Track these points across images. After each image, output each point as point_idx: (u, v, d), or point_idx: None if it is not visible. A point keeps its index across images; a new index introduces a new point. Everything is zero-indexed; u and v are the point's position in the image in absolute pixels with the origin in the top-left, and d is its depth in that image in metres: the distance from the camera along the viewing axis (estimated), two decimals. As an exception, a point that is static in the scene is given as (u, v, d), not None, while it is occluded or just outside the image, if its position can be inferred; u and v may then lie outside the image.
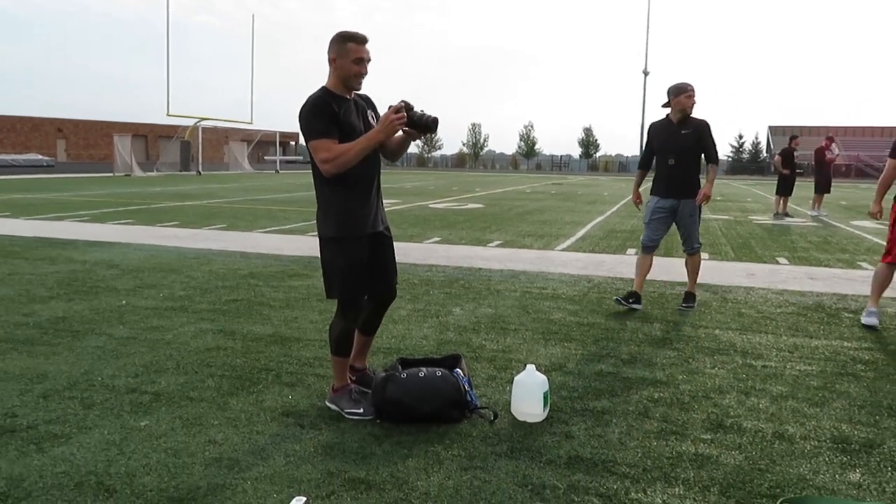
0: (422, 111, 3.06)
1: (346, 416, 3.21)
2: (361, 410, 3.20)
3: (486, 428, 3.12)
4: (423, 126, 3.05)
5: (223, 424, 3.08)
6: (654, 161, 5.74)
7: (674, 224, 5.70)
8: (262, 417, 3.18)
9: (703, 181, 5.68)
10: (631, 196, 6.13)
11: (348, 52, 3.06)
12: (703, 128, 5.55)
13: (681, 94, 5.47)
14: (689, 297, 5.78)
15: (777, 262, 8.36)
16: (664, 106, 5.57)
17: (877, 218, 5.38)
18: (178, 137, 41.16)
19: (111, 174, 31.90)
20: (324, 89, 3.11)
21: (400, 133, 3.16)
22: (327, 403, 3.31)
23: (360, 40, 3.08)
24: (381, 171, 3.36)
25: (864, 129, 68.50)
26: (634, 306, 5.55)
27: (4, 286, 5.90)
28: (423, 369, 3.31)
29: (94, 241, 8.97)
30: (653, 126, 5.73)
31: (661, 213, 5.63)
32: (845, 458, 2.89)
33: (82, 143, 63.19)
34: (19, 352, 4.06)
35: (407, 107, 3.03)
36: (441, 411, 3.16)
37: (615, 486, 2.61)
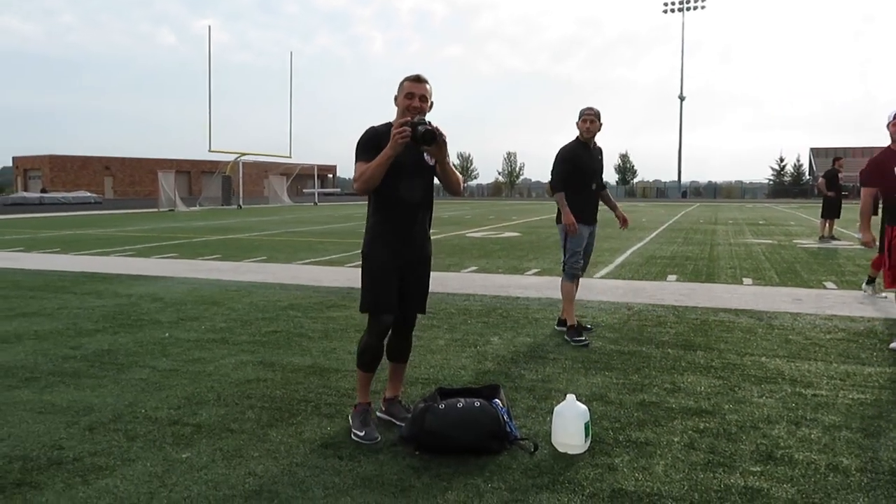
0: (425, 126, 3.12)
1: (352, 435, 3.30)
2: (363, 434, 3.28)
3: (526, 460, 3.07)
4: (421, 139, 3.12)
5: (263, 456, 3.09)
6: (569, 185, 5.38)
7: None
8: (301, 449, 3.18)
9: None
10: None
11: (402, 88, 3.32)
12: (602, 153, 5.60)
13: (579, 119, 5.36)
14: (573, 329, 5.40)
15: (824, 287, 8.13)
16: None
17: (870, 246, 5.40)
18: (220, 172, 42.18)
19: (156, 209, 32.77)
20: (386, 123, 3.32)
21: (428, 157, 3.32)
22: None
23: (412, 78, 3.32)
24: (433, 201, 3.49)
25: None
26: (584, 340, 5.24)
27: (53, 320, 6.06)
28: (462, 400, 3.28)
29: (139, 275, 9.18)
30: (568, 149, 5.41)
31: (587, 238, 5.52)
32: (905, 492, 2.75)
33: (128, 181, 65.17)
34: (66, 384, 4.15)
35: (412, 122, 3.12)
36: (481, 443, 3.12)
37: (661, 521, 2.53)
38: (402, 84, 3.32)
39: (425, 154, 3.36)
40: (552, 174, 5.45)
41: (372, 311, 3.36)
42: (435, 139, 3.14)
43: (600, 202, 5.65)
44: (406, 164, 3.28)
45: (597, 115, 5.36)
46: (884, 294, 7.25)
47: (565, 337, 5.38)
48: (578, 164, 5.37)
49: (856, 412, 3.69)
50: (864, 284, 7.72)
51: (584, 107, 5.41)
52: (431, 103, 3.37)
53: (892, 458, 3.08)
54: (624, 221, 5.80)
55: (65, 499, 2.66)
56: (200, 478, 2.86)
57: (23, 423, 3.48)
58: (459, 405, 3.22)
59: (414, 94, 3.27)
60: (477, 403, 3.24)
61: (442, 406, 3.22)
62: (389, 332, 3.48)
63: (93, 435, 3.33)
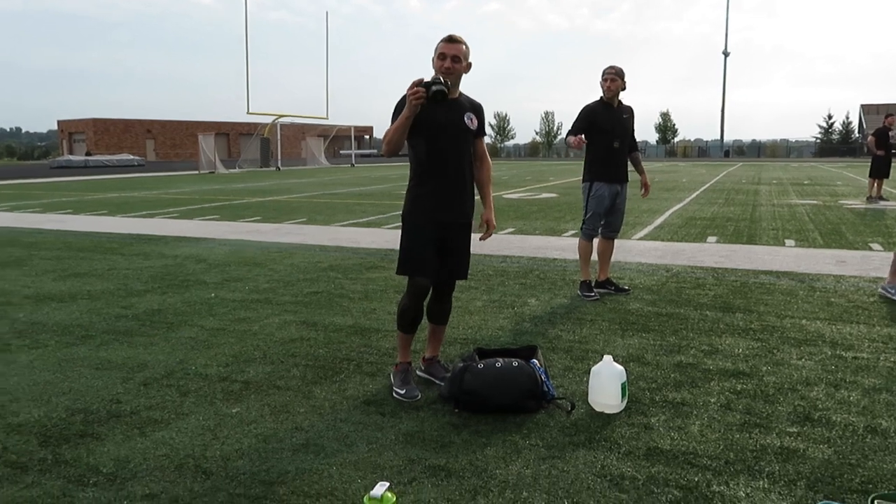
0: (439, 85, 3.10)
1: (393, 393, 3.40)
2: (404, 392, 3.38)
3: (563, 418, 3.14)
4: (432, 98, 3.09)
5: (308, 412, 3.22)
6: (590, 143, 5.43)
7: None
8: (345, 406, 3.30)
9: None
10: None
11: (436, 49, 3.31)
12: (632, 113, 5.55)
13: (601, 78, 5.34)
14: (609, 283, 5.73)
15: (870, 249, 7.95)
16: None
17: None
18: (258, 135, 42.53)
19: (196, 172, 33.31)
20: None
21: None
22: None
23: (445, 39, 3.31)
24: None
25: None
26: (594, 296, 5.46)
27: (105, 281, 6.30)
28: (500, 360, 3.35)
29: (183, 236, 9.43)
30: (588, 107, 5.43)
31: (610, 199, 5.49)
32: (945, 455, 2.75)
33: (169, 143, 66.21)
34: (120, 342, 4.34)
35: (425, 82, 3.09)
36: (518, 401, 3.19)
37: (696, 479, 2.58)
38: (437, 46, 3.31)
39: (465, 116, 3.37)
40: (572, 127, 5.48)
41: (409, 275, 3.41)
42: (446, 97, 3.12)
43: (630, 164, 5.66)
44: (444, 125, 3.30)
45: (618, 73, 5.33)
46: None
47: (577, 292, 5.56)
48: (597, 122, 5.38)
49: (897, 375, 3.66)
50: None
51: (607, 66, 5.38)
52: (469, 64, 3.35)
53: (932, 422, 3.07)
54: (645, 189, 5.81)
55: (125, 449, 2.83)
56: (250, 431, 3.00)
57: (82, 378, 3.67)
58: (498, 365, 3.29)
59: (446, 54, 3.25)
60: (515, 363, 3.30)
61: (480, 365, 3.29)
62: (429, 295, 3.55)
63: (147, 390, 3.50)
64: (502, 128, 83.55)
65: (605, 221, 5.58)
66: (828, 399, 3.35)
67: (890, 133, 14.23)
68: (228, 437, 2.95)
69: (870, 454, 2.76)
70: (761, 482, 2.55)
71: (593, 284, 5.62)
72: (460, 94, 3.42)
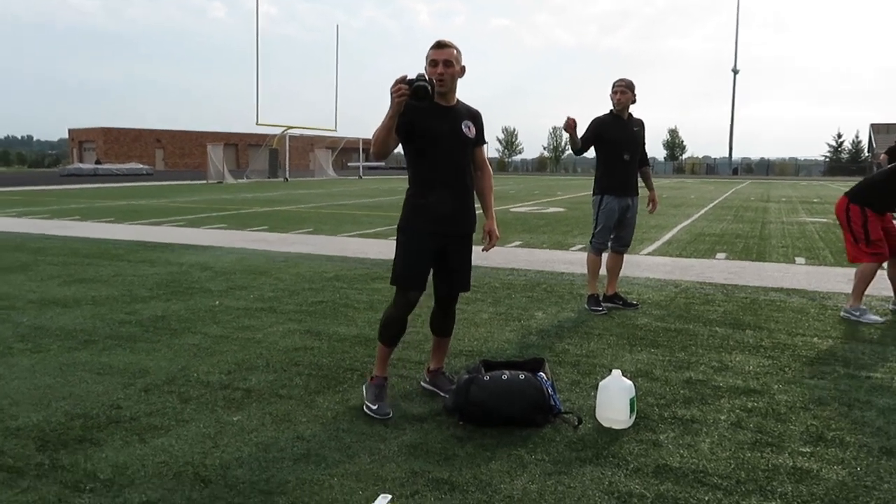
0: (422, 81, 2.95)
1: (364, 408, 3.28)
2: (375, 408, 3.24)
3: (570, 433, 3.07)
4: (413, 95, 2.94)
5: (310, 421, 3.16)
6: (597, 158, 5.46)
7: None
8: (347, 416, 3.24)
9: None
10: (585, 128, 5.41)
11: (427, 57, 3.23)
12: (643, 126, 5.52)
13: (612, 90, 5.32)
14: (618, 297, 5.67)
15: (882, 268, 7.85)
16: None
17: None
18: (267, 145, 42.73)
19: (205, 181, 33.43)
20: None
21: None
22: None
23: (435, 45, 3.21)
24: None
25: None
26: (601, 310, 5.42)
27: (110, 287, 6.27)
28: (507, 372, 3.29)
29: (190, 244, 9.42)
30: (598, 119, 5.40)
31: (620, 213, 5.45)
32: (963, 478, 2.67)
33: (178, 153, 66.60)
34: (123, 348, 4.30)
35: (408, 79, 2.94)
36: (524, 415, 3.13)
37: (706, 498, 2.51)
38: (427, 54, 3.22)
39: (463, 125, 3.28)
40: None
41: (400, 286, 3.29)
42: (429, 94, 2.96)
43: (640, 179, 5.63)
44: (442, 135, 3.21)
45: (628, 85, 5.32)
46: None
47: (584, 305, 5.51)
48: (607, 134, 5.35)
49: (912, 396, 3.58)
50: None
51: (617, 78, 5.37)
52: (463, 67, 3.25)
53: (950, 444, 2.99)
54: (653, 204, 5.75)
55: (123, 455, 2.78)
56: (251, 440, 2.95)
57: (83, 383, 3.63)
58: (504, 377, 3.23)
59: (437, 60, 3.16)
60: (521, 376, 3.24)
61: (486, 378, 3.23)
62: (433, 308, 3.49)
63: (148, 396, 3.46)
64: (510, 142, 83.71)
65: (615, 235, 5.53)
66: (841, 419, 3.27)
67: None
68: (228, 445, 2.89)
69: (885, 476, 2.69)
70: (773, 503, 2.48)
71: (601, 299, 5.56)
72: (458, 101, 3.33)
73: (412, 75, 2.98)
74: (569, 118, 5.09)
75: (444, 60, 3.17)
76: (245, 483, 2.56)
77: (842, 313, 5.37)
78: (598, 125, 5.38)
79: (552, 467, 2.74)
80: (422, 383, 3.63)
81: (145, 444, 2.88)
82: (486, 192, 3.49)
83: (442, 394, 3.46)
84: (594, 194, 5.53)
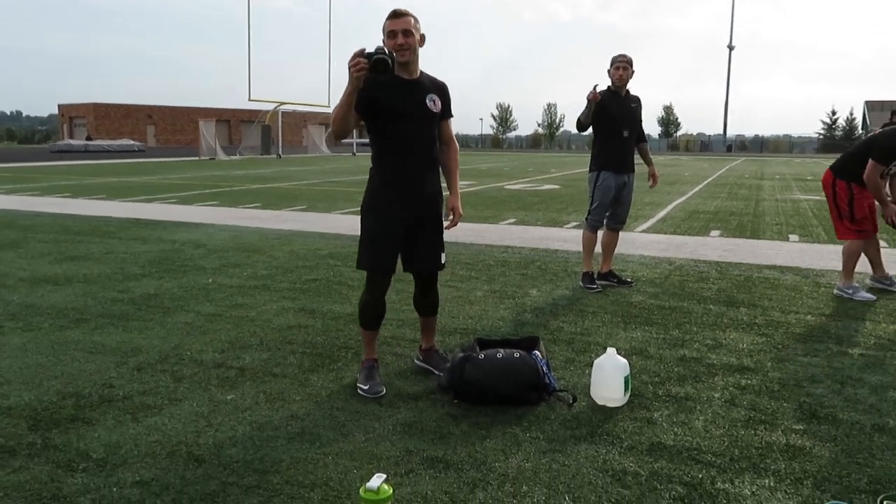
0: (378, 53, 2.83)
1: (357, 389, 3.25)
2: (367, 387, 3.21)
3: (564, 411, 3.08)
4: (373, 68, 2.82)
5: (305, 400, 3.15)
6: (595, 135, 5.42)
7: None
8: (341, 394, 3.23)
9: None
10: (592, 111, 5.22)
11: (384, 28, 3.08)
12: (640, 103, 5.50)
13: (611, 66, 5.27)
14: (612, 275, 5.66)
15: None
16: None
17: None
18: (259, 122, 42.34)
19: (197, 158, 33.18)
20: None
21: None
22: None
23: (391, 15, 3.06)
24: (440, 152, 3.31)
25: (974, 102, 63.48)
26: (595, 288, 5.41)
27: (101, 264, 6.23)
28: (501, 350, 3.28)
29: (182, 222, 9.35)
30: (601, 94, 5.25)
31: (616, 189, 5.42)
32: (955, 455, 2.69)
33: (170, 129, 65.99)
34: (115, 326, 4.27)
35: (367, 53, 2.82)
36: (519, 393, 3.13)
37: (700, 475, 2.52)
38: (384, 25, 3.06)
39: (428, 99, 3.15)
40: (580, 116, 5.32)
41: (367, 270, 3.24)
42: (389, 67, 2.84)
43: (637, 155, 5.60)
44: (405, 110, 3.09)
45: (629, 62, 5.29)
46: None
47: (579, 283, 5.52)
48: (606, 110, 5.28)
49: (905, 373, 3.59)
50: None
51: (617, 54, 5.31)
52: (423, 36, 3.11)
53: (941, 421, 3.01)
54: (654, 179, 5.73)
55: (116, 434, 2.76)
56: (245, 419, 2.94)
57: (75, 362, 3.61)
58: (499, 355, 3.22)
59: (395, 31, 3.02)
60: (516, 354, 3.24)
61: (481, 356, 3.22)
62: (415, 288, 3.44)
63: (141, 375, 3.44)
64: (505, 119, 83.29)
65: (610, 213, 5.51)
66: (834, 396, 3.28)
67: None
68: (222, 424, 2.88)
69: (878, 453, 2.70)
70: (767, 480, 2.49)
71: (596, 276, 5.56)
72: (421, 73, 3.19)
73: (371, 48, 2.85)
74: (595, 89, 5.07)
75: (403, 30, 3.02)
76: (239, 462, 2.55)
77: (835, 291, 5.39)
78: (601, 100, 5.30)
79: (547, 445, 2.74)
80: (415, 361, 3.63)
81: (138, 423, 2.87)
82: (452, 167, 3.37)
83: (436, 372, 3.45)
84: (591, 171, 5.49)
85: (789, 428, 2.93)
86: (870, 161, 5.04)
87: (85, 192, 13.98)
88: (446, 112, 3.30)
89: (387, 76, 2.91)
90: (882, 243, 7.94)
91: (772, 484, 2.46)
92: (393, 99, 3.08)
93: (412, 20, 3.06)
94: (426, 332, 3.61)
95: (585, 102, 5.17)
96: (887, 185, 5.41)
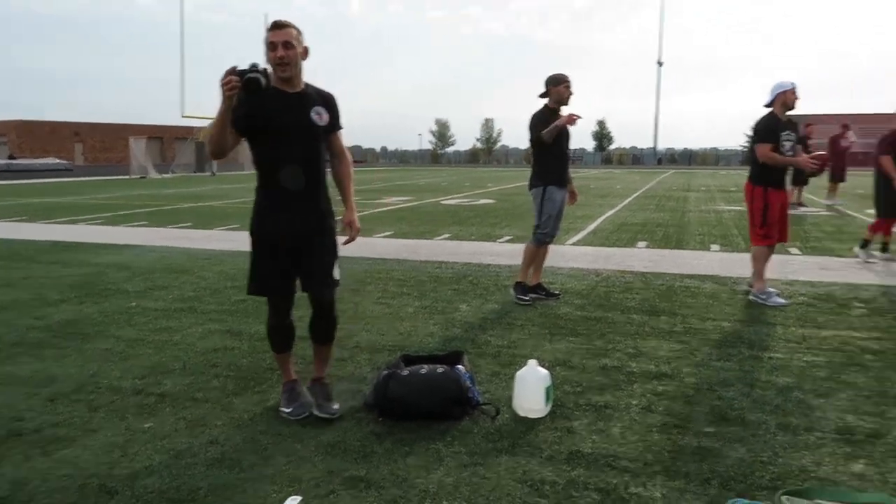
0: (251, 71, 2.76)
1: (280, 412, 3.21)
2: (289, 410, 3.18)
3: (487, 424, 3.13)
4: (245, 87, 2.74)
5: (226, 425, 3.11)
6: (539, 151, 5.52)
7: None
8: (265, 417, 3.20)
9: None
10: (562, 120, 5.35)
11: (265, 40, 2.97)
12: None
13: (560, 84, 5.39)
14: (541, 287, 5.72)
15: (789, 253, 8.28)
16: (541, 96, 5.44)
17: None
18: (193, 139, 41.47)
19: (127, 177, 32.20)
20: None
21: None
22: None
23: (271, 26, 2.96)
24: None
25: (880, 116, 67.49)
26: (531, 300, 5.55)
27: (18, 290, 5.98)
28: (425, 366, 3.32)
29: (107, 243, 9.07)
30: (541, 115, 5.42)
31: (561, 203, 5.60)
32: (849, 449, 2.86)
33: (99, 147, 63.78)
34: (29, 355, 4.11)
35: (238, 70, 2.75)
36: (443, 408, 3.16)
37: (615, 481, 2.60)
38: (265, 37, 2.98)
39: (313, 112, 3.04)
40: (533, 134, 5.43)
41: (255, 294, 3.18)
42: (262, 86, 2.75)
43: None
44: (288, 126, 2.98)
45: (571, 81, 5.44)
46: (874, 258, 7.55)
47: (511, 293, 5.64)
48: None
49: (808, 374, 3.80)
50: (856, 248, 7.87)
51: (558, 73, 5.46)
52: (306, 49, 3.02)
53: (838, 418, 3.19)
54: (573, 196, 5.84)
55: (23, 470, 2.66)
56: (162, 447, 2.87)
57: (-17, 395, 3.46)
58: (422, 371, 3.26)
59: (276, 42, 2.92)
60: (440, 369, 3.28)
61: (405, 372, 3.25)
62: (312, 310, 3.28)
63: (54, 406, 3.32)
64: (443, 134, 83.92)
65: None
66: (743, 398, 3.44)
67: (809, 141, 14.88)
68: (138, 453, 2.81)
69: (780, 451, 2.84)
70: (677, 482, 2.59)
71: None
72: (306, 86, 3.08)
73: (245, 66, 2.77)
74: (569, 116, 5.29)
75: (284, 42, 2.92)
76: (153, 492, 2.50)
77: (750, 297, 5.64)
78: (545, 118, 5.44)
79: (468, 459, 2.78)
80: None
81: (48, 457, 2.77)
82: (346, 181, 3.26)
83: (315, 412, 3.20)
84: (535, 186, 5.56)
85: (700, 431, 3.05)
86: (757, 145, 5.37)
87: (4, 214, 13.39)
88: (335, 124, 3.18)
89: (258, 96, 2.81)
90: (794, 250, 8.36)
91: (681, 486, 2.57)
92: (271, 115, 2.96)
93: (294, 32, 2.97)
94: (318, 361, 3.38)
95: (550, 125, 5.30)
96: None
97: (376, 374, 3.49)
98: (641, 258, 7.90)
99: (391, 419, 3.15)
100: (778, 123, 5.48)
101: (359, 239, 3.28)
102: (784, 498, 2.41)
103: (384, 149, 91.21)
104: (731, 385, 3.63)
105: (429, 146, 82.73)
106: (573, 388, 3.58)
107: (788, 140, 5.48)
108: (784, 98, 5.46)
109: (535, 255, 5.64)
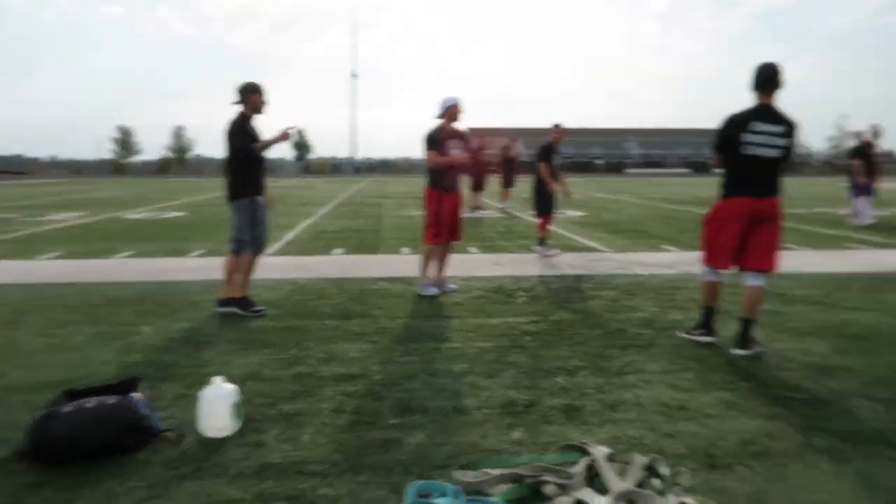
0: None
1: None
2: None
3: (169, 452, 2.92)
4: None
5: None
6: (243, 161, 5.50)
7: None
8: None
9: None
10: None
11: None
12: None
13: (255, 93, 5.40)
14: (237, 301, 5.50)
15: (468, 252, 9.16)
16: (235, 103, 5.40)
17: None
18: None
19: None
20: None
21: None
22: None
23: None
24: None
25: (541, 130, 78.46)
26: None
27: None
28: (93, 399, 2.98)
29: None
30: (238, 123, 5.36)
31: (263, 212, 5.73)
32: (510, 420, 3.26)
33: None
34: None
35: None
36: (115, 438, 2.88)
37: (303, 486, 2.61)
38: None
39: None
40: (234, 143, 5.34)
41: None
42: None
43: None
44: None
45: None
46: (551, 253, 8.64)
47: (214, 308, 5.52)
48: (256, 137, 5.40)
49: (480, 359, 4.24)
50: (536, 246, 8.95)
51: (251, 81, 5.41)
52: None
53: (503, 394, 3.61)
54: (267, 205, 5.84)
55: None
56: None
57: None
58: (88, 405, 2.93)
59: None
60: (110, 400, 2.98)
61: (67, 408, 2.89)
62: None
63: None
64: (126, 143, 76.60)
65: (255, 235, 5.50)
66: (425, 388, 3.71)
67: (482, 150, 16.68)
68: None
69: (454, 432, 3.13)
70: (362, 476, 2.70)
71: (220, 304, 5.45)
72: None
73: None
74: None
75: None
76: None
77: (416, 289, 6.17)
78: (244, 127, 5.35)
79: (147, 492, 2.57)
80: None
81: None
82: None
83: None
84: (237, 198, 5.39)
85: (386, 423, 3.22)
86: (427, 153, 5.99)
87: None
88: None
89: None
90: (473, 249, 9.29)
91: (366, 479, 2.68)
92: None
93: None
94: None
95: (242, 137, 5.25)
96: None
97: (33, 416, 3.03)
98: (337, 264, 8.09)
99: (54, 463, 2.77)
100: (444, 133, 6.03)
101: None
102: (457, 473, 2.65)
103: (53, 158, 79.94)
104: (415, 377, 3.90)
105: (108, 155, 74.81)
106: (264, 401, 3.52)
107: (455, 148, 6.07)
108: (450, 111, 6.03)
109: (242, 264, 5.47)
